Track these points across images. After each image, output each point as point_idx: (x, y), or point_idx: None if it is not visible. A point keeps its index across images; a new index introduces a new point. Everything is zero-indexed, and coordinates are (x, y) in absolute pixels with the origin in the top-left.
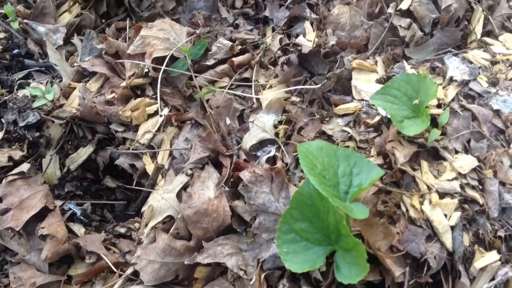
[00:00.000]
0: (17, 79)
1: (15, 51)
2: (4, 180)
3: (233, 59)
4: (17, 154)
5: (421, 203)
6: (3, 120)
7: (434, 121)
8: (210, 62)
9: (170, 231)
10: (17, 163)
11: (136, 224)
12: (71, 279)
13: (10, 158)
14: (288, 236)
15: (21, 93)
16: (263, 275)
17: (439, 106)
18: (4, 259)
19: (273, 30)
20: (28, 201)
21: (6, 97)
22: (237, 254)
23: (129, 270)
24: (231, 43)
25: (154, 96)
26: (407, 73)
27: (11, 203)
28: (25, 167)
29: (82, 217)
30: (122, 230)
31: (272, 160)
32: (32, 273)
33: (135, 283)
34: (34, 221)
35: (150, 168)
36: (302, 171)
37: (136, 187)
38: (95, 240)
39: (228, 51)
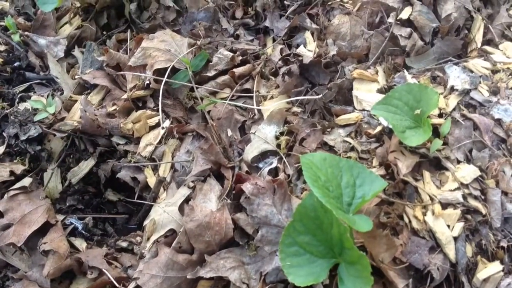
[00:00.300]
0: (18, 92)
1: (16, 63)
2: (5, 195)
3: (234, 70)
4: (19, 168)
5: (424, 214)
6: (4, 134)
7: (435, 131)
8: (211, 73)
9: (173, 245)
10: (18, 178)
11: (138, 238)
12: None
13: (12, 173)
14: (291, 249)
15: (22, 106)
16: None
17: (440, 115)
18: (6, 275)
19: (274, 40)
20: (30, 216)
21: (7, 111)
22: (240, 267)
23: (132, 285)
24: (232, 53)
25: (155, 108)
26: (408, 83)
27: (13, 218)
28: (26, 181)
29: (83, 232)
30: (124, 244)
31: (274, 172)
32: None
33: None
34: (36, 236)
35: (151, 181)
36: (304, 182)
37: (138, 201)
38: (97, 254)
39: (229, 62)
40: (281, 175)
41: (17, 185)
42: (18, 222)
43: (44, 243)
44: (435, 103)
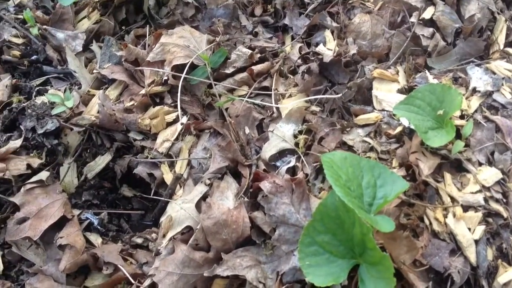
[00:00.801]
0: (35, 85)
1: (34, 57)
2: (22, 189)
3: (253, 67)
4: (35, 161)
5: (445, 216)
6: (21, 127)
7: (457, 133)
8: (229, 70)
9: (189, 242)
10: (35, 171)
11: (153, 235)
12: None
13: (29, 166)
14: (311, 249)
15: (39, 100)
16: None
17: (462, 117)
18: (20, 269)
19: (292, 38)
20: (46, 210)
21: (24, 104)
22: (256, 266)
23: (147, 282)
24: (250, 51)
25: (173, 104)
26: (431, 83)
27: (29, 212)
28: (43, 175)
29: (99, 227)
30: (139, 241)
31: (291, 171)
32: (49, 284)
33: None
34: (52, 230)
35: (168, 177)
36: (322, 182)
37: (154, 197)
38: (112, 250)
39: (248, 59)
40: (300, 174)
41: (34, 178)
42: (34, 216)
43: (61, 238)
44: (459, 104)
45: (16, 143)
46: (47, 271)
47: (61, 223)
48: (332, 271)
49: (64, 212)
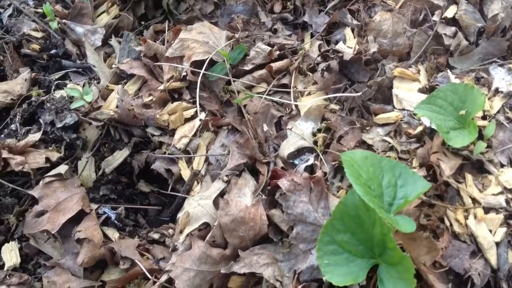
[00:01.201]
0: (54, 79)
1: (53, 51)
2: (41, 182)
3: (271, 64)
4: (54, 155)
5: (466, 218)
6: (40, 121)
7: (479, 133)
8: (248, 67)
9: (206, 238)
10: (53, 165)
11: (170, 230)
12: (105, 285)
13: (47, 160)
14: (329, 248)
15: (58, 94)
16: (299, 287)
17: (484, 117)
18: (37, 262)
19: (312, 36)
20: (65, 203)
21: (43, 98)
22: (273, 264)
23: (164, 278)
24: (269, 48)
25: (191, 100)
26: (453, 83)
27: (47, 205)
28: (62, 168)
29: (116, 222)
30: (156, 236)
31: (309, 169)
32: (67, 278)
33: None
34: (70, 224)
35: (185, 173)
36: (340, 180)
37: (171, 193)
38: (130, 245)
39: (266, 56)
40: (318, 172)
41: (53, 172)
42: (52, 209)
43: (79, 231)
44: (481, 104)
45: (35, 136)
46: (65, 264)
47: (79, 217)
48: (350, 271)
49: (82, 206)
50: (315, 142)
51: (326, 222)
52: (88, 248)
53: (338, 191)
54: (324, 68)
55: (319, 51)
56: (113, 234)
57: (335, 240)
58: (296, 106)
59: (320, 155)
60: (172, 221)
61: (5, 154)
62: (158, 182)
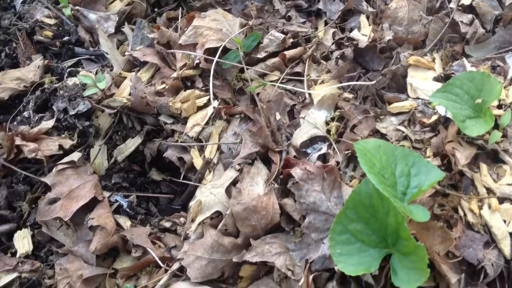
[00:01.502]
0: (67, 67)
1: (65, 38)
2: (54, 169)
3: (285, 52)
4: (67, 143)
5: (480, 208)
6: (54, 108)
7: (494, 123)
8: (261, 55)
9: (218, 227)
10: (66, 152)
11: (182, 219)
12: (117, 273)
13: (60, 147)
14: (342, 237)
15: (71, 81)
16: (311, 277)
17: (499, 107)
18: (50, 249)
19: (326, 23)
20: (78, 191)
21: (56, 85)
22: (285, 253)
23: (175, 266)
24: (283, 35)
25: (203, 88)
26: (470, 71)
27: (60, 193)
28: (75, 156)
29: (128, 210)
30: (167, 225)
31: (322, 158)
32: (79, 265)
33: (181, 279)
34: (82, 211)
35: (197, 161)
36: (353, 170)
37: (183, 181)
38: (142, 233)
39: (280, 44)
40: (332, 161)
41: (66, 159)
42: (65, 197)
43: (92, 219)
44: (498, 93)
45: (48, 123)
46: (77, 252)
47: (92, 204)
48: (363, 260)
49: (95, 194)
50: (328, 131)
51: (339, 212)
52: (101, 236)
53: (351, 181)
54: (338, 56)
55: (333, 39)
56: (125, 222)
57: (348, 230)
58: (310, 94)
59: (333, 144)
60: (184, 210)
61: (18, 141)
62: (169, 171)
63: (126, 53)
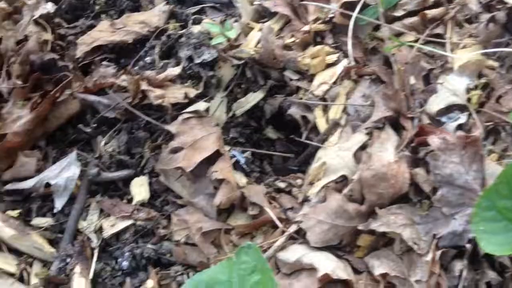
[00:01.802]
0: (191, 13)
1: None
2: (179, 118)
3: (426, 11)
4: (192, 92)
5: None
6: (181, 55)
7: None
8: (399, 13)
9: (344, 192)
10: (190, 102)
11: (298, 180)
12: (232, 229)
13: (186, 95)
14: (488, 214)
15: (195, 28)
16: (438, 253)
17: None
18: (165, 199)
19: None
20: (201, 142)
21: (181, 32)
22: (411, 226)
23: (293, 228)
24: None
25: (333, 45)
26: None
27: (184, 142)
28: (202, 105)
29: (245, 166)
30: (282, 185)
31: (458, 128)
32: (199, 218)
33: (297, 242)
34: (202, 164)
35: (321, 122)
36: (493, 143)
37: (305, 141)
38: (258, 191)
39: (420, 2)
40: (477, 132)
41: (191, 108)
42: (189, 147)
43: (215, 172)
44: None
45: (175, 70)
46: (198, 204)
47: (213, 157)
48: (509, 241)
49: (218, 147)
50: (468, 100)
51: (490, 186)
52: (226, 189)
53: (489, 155)
54: (488, 20)
55: (480, 1)
56: (241, 178)
57: (495, 206)
58: (451, 59)
59: (474, 114)
60: (300, 171)
61: (144, 86)
62: (286, 130)
63: (255, 3)
